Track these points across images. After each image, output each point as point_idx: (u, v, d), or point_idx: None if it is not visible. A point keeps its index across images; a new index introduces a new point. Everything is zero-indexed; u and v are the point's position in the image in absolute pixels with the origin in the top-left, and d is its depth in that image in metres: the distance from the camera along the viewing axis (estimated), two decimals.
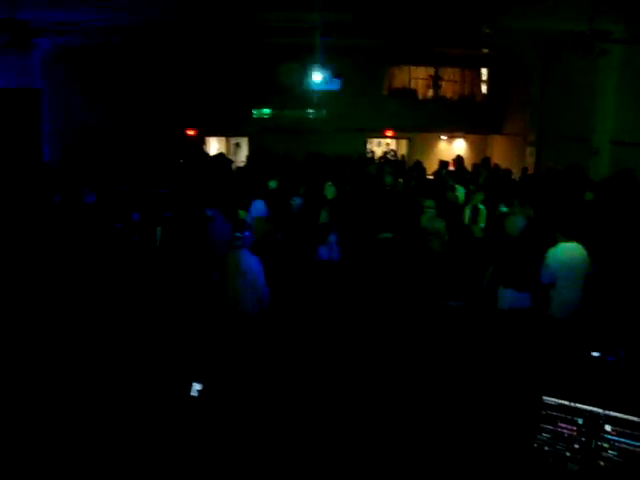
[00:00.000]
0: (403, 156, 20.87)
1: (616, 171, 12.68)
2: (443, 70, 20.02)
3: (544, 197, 11.23)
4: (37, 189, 8.84)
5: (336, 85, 8.09)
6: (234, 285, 6.86)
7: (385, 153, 20.22)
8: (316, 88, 8.40)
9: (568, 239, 7.18)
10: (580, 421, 3.25)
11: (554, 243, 7.24)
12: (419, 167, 16.36)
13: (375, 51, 18.54)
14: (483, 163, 17.66)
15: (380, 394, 6.45)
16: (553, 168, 15.50)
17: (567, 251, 7.13)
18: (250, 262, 6.78)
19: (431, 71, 18.86)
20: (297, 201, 9.63)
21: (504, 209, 10.28)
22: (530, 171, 17.04)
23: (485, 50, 18.48)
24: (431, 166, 18.00)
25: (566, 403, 3.29)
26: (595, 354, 4.68)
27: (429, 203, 9.39)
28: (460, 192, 12.31)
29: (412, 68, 20.82)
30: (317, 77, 7.89)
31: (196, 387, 3.90)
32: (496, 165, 16.88)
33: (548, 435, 3.32)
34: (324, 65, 7.95)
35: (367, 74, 19.71)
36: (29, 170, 8.02)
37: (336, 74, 7.98)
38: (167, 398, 3.94)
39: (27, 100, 7.67)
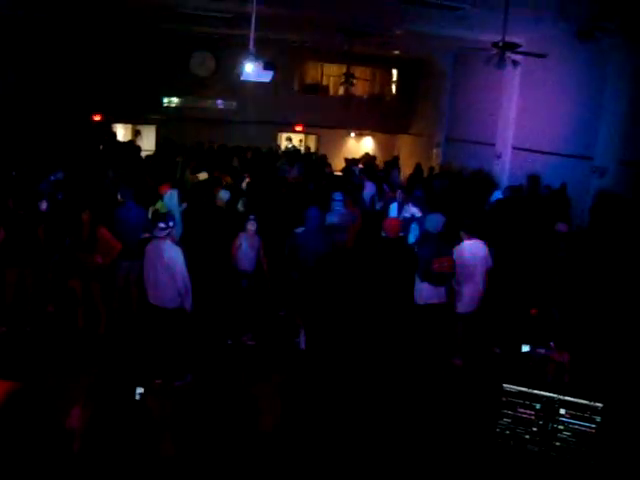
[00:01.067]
0: (308, 149, 21.06)
1: (527, 175, 13.46)
2: (355, 68, 20.38)
3: (452, 198, 11.75)
4: None
5: (267, 77, 8.07)
6: (154, 276, 6.72)
7: (286, 148, 20.39)
8: (247, 79, 8.30)
9: (470, 236, 7.58)
10: (538, 406, 3.51)
11: (460, 240, 7.64)
12: (324, 162, 16.70)
13: (289, 46, 18.62)
14: (393, 162, 18.22)
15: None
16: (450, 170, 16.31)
17: (468, 248, 7.54)
18: (172, 253, 6.67)
19: (343, 69, 19.07)
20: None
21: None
22: (436, 171, 17.73)
23: (396, 52, 18.99)
24: (339, 163, 18.35)
25: (525, 390, 3.54)
26: (525, 348, 4.99)
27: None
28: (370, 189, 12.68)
29: (325, 65, 21.11)
30: (249, 68, 7.83)
31: (139, 390, 3.88)
32: (418, 164, 17.41)
33: (509, 420, 3.56)
34: (255, 56, 7.89)
35: (281, 68, 19.71)
36: None
37: (267, 66, 7.95)
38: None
39: None
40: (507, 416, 3.56)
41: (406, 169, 18.10)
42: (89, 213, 7.85)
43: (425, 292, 7.45)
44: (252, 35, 8.34)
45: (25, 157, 13.04)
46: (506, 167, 15.31)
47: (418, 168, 17.07)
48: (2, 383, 3.86)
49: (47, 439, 3.89)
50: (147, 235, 7.57)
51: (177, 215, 9.17)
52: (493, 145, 15.58)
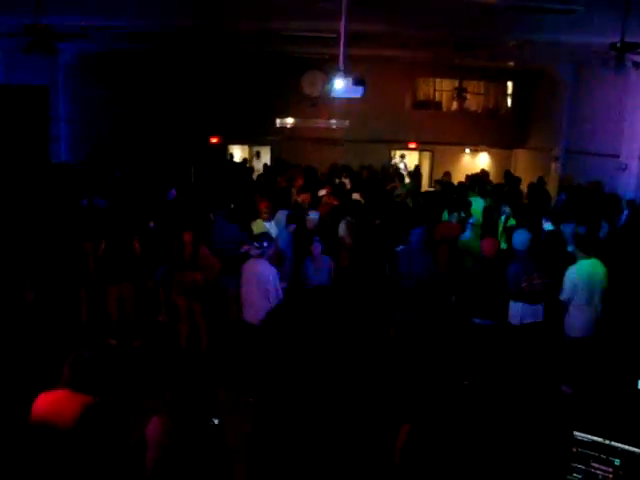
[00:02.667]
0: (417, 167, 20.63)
1: None
2: (468, 82, 19.82)
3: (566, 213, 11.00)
4: (44, 189, 8.74)
5: (358, 93, 7.92)
6: (248, 294, 6.84)
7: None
8: (338, 96, 8.24)
9: (587, 255, 7.01)
10: (617, 462, 3.01)
11: (573, 260, 7.10)
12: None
13: (401, 62, 18.40)
14: (506, 176, 17.41)
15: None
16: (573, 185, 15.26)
17: (585, 267, 7.00)
18: (265, 272, 6.79)
19: (456, 83, 18.64)
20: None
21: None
22: (554, 186, 16.77)
23: (511, 63, 18.23)
24: (454, 180, 17.77)
25: (600, 440, 3.06)
26: None
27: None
28: (478, 204, 12.14)
29: (437, 80, 20.66)
30: (339, 84, 7.73)
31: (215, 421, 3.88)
32: (540, 177, 16.54)
33: (580, 476, 3.07)
34: (346, 73, 7.80)
35: (392, 85, 19.57)
36: (37, 169, 7.93)
37: (357, 82, 7.80)
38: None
39: (35, 97, 7.54)
40: (578, 471, 3.08)
41: (524, 184, 17.23)
42: (191, 233, 8.06)
43: (520, 311, 7.08)
44: (342, 50, 8.24)
45: (144, 178, 13.66)
46: (632, 180, 14.17)
47: (540, 181, 16.18)
48: (80, 397, 3.94)
49: (118, 454, 3.91)
50: (245, 249, 7.72)
51: (285, 235, 9.11)
52: (617, 157, 14.48)
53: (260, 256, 6.88)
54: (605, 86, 14.89)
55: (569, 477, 3.02)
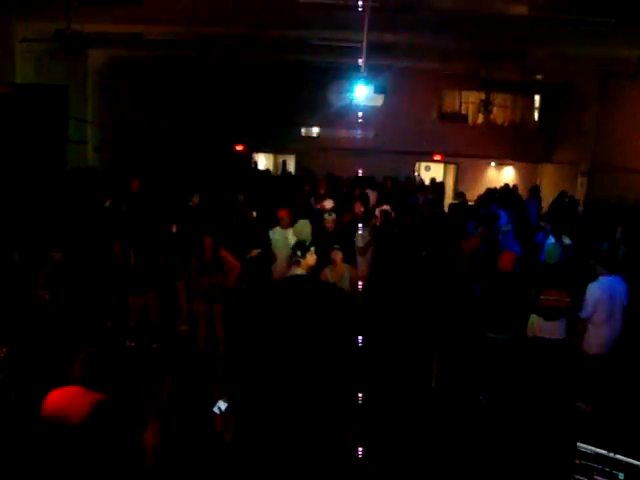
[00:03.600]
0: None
1: None
2: (495, 95, 19.69)
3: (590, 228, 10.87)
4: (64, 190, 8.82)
5: (378, 102, 7.96)
6: None
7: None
8: (358, 103, 8.29)
9: (609, 272, 6.92)
10: (621, 476, 2.96)
11: (594, 276, 7.00)
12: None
13: (428, 74, 18.40)
14: (532, 192, 17.24)
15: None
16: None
17: (608, 284, 6.91)
18: None
19: (482, 96, 18.49)
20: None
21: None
22: (581, 201, 16.58)
23: (538, 76, 18.12)
24: (476, 193, 17.68)
25: (604, 453, 3.01)
26: None
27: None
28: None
29: (463, 92, 20.60)
30: (360, 92, 7.76)
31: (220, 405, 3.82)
32: (562, 192, 16.37)
33: None
34: (367, 81, 7.84)
35: (418, 97, 19.58)
36: (55, 170, 8.00)
37: (378, 90, 7.84)
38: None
39: (54, 97, 7.59)
40: None
41: (549, 199, 17.07)
42: (211, 236, 8.10)
43: (536, 325, 7.04)
44: (364, 59, 8.30)
45: (170, 184, 13.79)
46: None
47: (562, 195, 16.00)
48: (92, 394, 4.00)
49: (125, 453, 3.94)
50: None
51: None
52: None
53: (297, 265, 6.69)
54: (634, 99, 14.73)
55: None
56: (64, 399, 4.05)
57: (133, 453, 3.86)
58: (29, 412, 4.14)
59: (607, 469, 2.93)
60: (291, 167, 21.41)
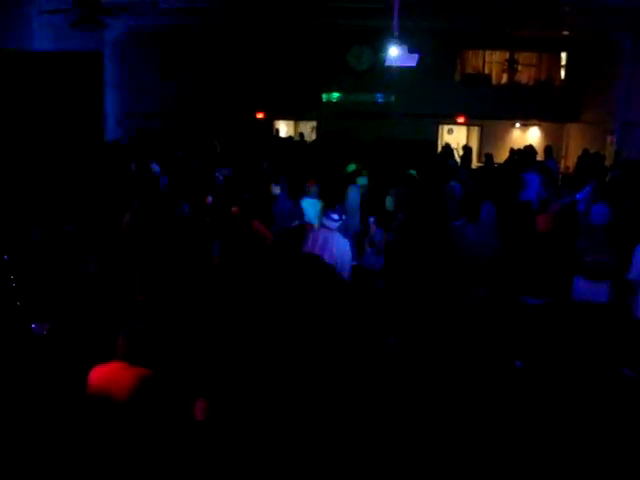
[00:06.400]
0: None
1: None
2: (519, 54, 19.22)
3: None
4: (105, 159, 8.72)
5: (413, 61, 7.69)
6: None
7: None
8: (392, 64, 8.02)
9: None
10: None
11: None
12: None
13: (449, 34, 17.96)
14: (547, 152, 16.85)
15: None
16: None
17: None
18: (343, 246, 6.50)
19: (506, 55, 18.09)
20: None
21: None
22: (609, 161, 16.19)
23: (565, 32, 17.59)
24: (504, 155, 17.35)
25: None
26: None
27: None
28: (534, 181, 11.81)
29: (487, 52, 20.12)
30: (393, 52, 7.51)
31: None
32: (585, 150, 15.98)
33: None
34: (400, 42, 7.58)
35: (440, 58, 19.14)
36: (93, 138, 7.87)
37: (412, 50, 7.58)
38: None
39: (89, 64, 7.40)
40: None
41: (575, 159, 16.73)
42: (239, 207, 7.98)
43: (580, 287, 6.91)
44: (396, 19, 8.05)
45: (195, 154, 13.67)
46: None
47: (585, 154, 15.58)
48: (136, 369, 3.95)
49: (173, 428, 3.90)
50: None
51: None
52: None
53: (334, 229, 6.61)
54: None
55: None
56: (109, 375, 4.00)
57: (183, 428, 3.81)
58: (74, 388, 4.10)
59: None
60: (311, 135, 21.14)
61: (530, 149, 15.90)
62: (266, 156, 13.23)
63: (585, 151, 15.85)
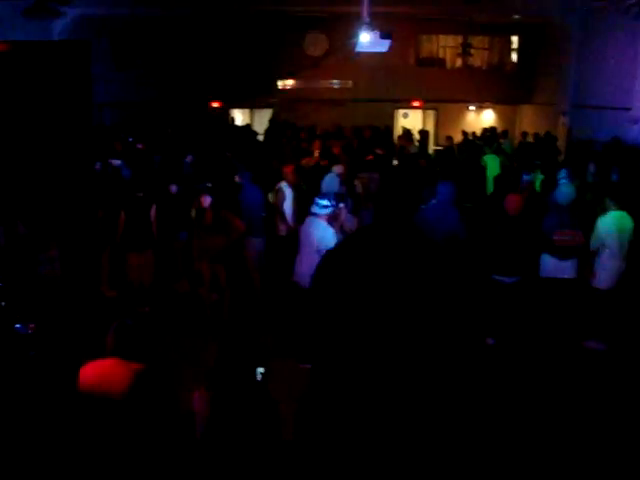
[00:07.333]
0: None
1: None
2: (472, 38, 19.46)
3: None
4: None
5: (384, 47, 7.72)
6: (301, 253, 6.66)
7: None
8: (363, 50, 8.03)
9: (619, 208, 7.10)
10: None
11: (603, 211, 7.16)
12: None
13: (405, 19, 18.05)
14: (504, 134, 17.24)
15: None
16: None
17: (616, 219, 7.10)
18: (325, 234, 6.35)
19: (460, 39, 18.26)
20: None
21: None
22: (561, 141, 16.60)
23: (516, 16, 17.90)
24: (459, 139, 17.60)
25: None
26: None
27: None
28: (491, 161, 12.12)
29: (440, 37, 20.32)
30: (364, 38, 7.52)
31: (259, 370, 3.78)
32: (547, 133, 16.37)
33: None
34: (370, 26, 7.59)
35: (395, 43, 19.17)
36: (80, 131, 7.60)
37: (384, 35, 7.60)
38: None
39: (77, 53, 7.13)
40: None
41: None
42: (210, 196, 7.91)
43: (548, 265, 7.15)
44: (366, 5, 8.04)
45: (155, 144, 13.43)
46: None
47: (548, 136, 15.97)
48: (128, 365, 3.90)
49: (171, 422, 3.88)
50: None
51: None
52: (629, 109, 14.28)
53: (324, 216, 6.47)
54: (615, 36, 14.62)
55: None
56: (102, 372, 3.95)
57: (180, 422, 3.80)
58: (65, 387, 4.04)
59: None
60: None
61: (492, 131, 16.27)
62: (226, 145, 13.12)
63: (547, 133, 16.24)
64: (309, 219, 6.63)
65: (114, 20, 16.54)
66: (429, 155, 14.16)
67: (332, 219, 6.50)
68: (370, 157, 11.36)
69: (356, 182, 8.99)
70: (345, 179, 8.56)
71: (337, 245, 1.09)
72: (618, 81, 14.79)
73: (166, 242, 8.58)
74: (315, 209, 6.48)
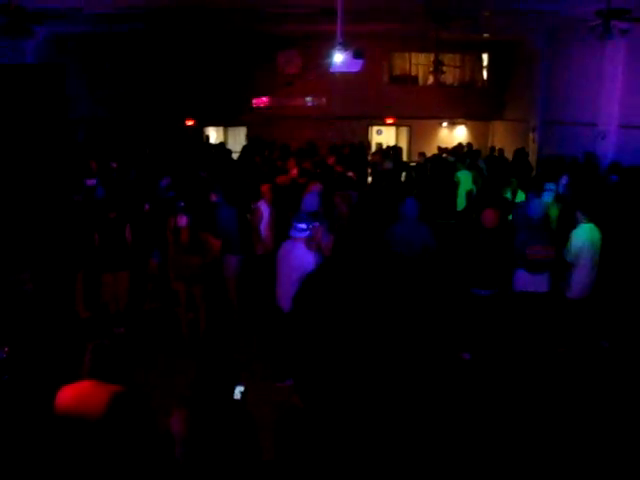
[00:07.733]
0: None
1: None
2: (443, 56, 19.74)
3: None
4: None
5: (357, 66, 7.80)
6: (279, 277, 6.51)
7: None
8: (337, 70, 8.09)
9: (589, 220, 7.33)
10: None
11: (574, 225, 7.39)
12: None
13: (376, 37, 18.28)
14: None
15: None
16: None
17: (587, 232, 7.31)
18: (305, 258, 6.11)
19: (431, 57, 18.48)
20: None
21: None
22: (532, 157, 16.90)
23: (486, 35, 18.24)
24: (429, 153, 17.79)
25: None
26: None
27: None
28: (464, 176, 12.30)
29: (413, 54, 20.61)
30: (338, 58, 7.59)
31: (239, 389, 3.78)
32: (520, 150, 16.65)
33: None
34: (344, 46, 7.68)
35: (368, 61, 19.36)
36: (56, 153, 7.51)
37: (357, 55, 7.69)
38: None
39: (51, 76, 7.06)
40: None
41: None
42: (186, 216, 7.87)
43: (521, 279, 7.25)
44: (339, 25, 8.15)
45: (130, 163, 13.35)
46: (611, 147, 14.32)
47: (520, 152, 16.21)
48: (106, 386, 3.87)
49: (150, 443, 3.85)
50: None
51: None
52: (595, 125, 14.61)
53: (303, 240, 6.26)
54: (581, 54, 14.97)
55: None
56: (79, 394, 3.92)
57: (160, 443, 3.78)
58: (42, 410, 4.00)
59: None
60: (242, 140, 21.01)
61: (468, 147, 16.52)
62: (200, 164, 13.10)
63: (521, 149, 16.49)
64: (288, 243, 6.50)
65: (87, 38, 16.49)
66: (407, 169, 14.24)
67: (310, 240, 6.40)
68: (351, 174, 11.46)
69: (337, 200, 9.02)
70: (322, 197, 8.60)
71: (315, 271, 1.15)
72: (584, 98, 15.12)
73: (141, 262, 8.52)
74: (294, 233, 6.35)
